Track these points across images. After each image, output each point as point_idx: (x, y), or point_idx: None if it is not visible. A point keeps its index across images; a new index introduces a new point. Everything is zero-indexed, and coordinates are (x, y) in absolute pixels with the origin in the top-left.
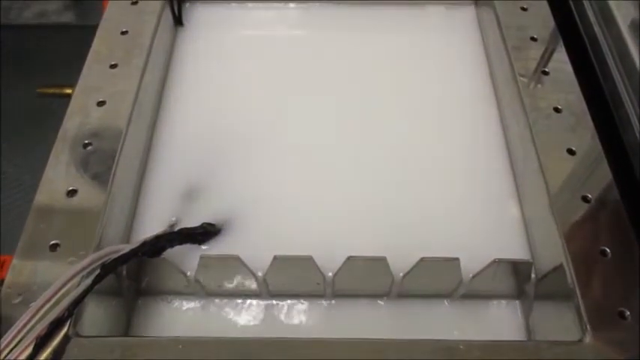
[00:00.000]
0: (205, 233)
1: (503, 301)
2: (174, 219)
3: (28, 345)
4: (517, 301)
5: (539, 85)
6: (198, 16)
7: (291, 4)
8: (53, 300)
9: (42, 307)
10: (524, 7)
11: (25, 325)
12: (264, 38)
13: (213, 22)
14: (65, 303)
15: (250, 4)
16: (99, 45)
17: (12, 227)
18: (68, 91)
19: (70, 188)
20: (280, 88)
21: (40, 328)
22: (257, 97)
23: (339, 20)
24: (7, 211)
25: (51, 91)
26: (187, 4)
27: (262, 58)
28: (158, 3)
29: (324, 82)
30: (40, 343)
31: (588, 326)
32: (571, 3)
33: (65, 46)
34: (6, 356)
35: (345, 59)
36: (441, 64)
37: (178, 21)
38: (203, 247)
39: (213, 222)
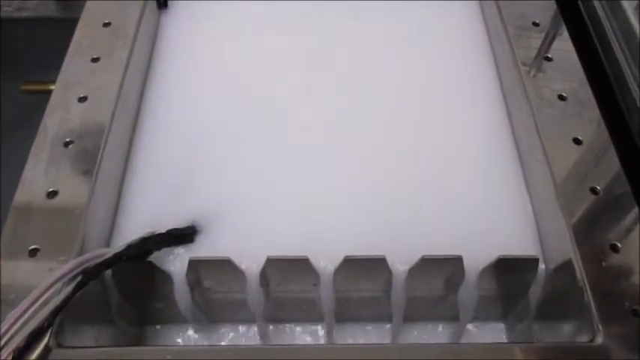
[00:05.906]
0: (194, 234)
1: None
2: (147, 231)
3: (6, 358)
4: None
5: (542, 73)
6: (183, 4)
7: None
8: (32, 309)
9: (20, 316)
10: None
11: (2, 337)
12: (255, 25)
13: (199, 9)
14: (45, 312)
15: None
16: (80, 38)
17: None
18: (53, 87)
19: (51, 189)
20: (269, 78)
21: (19, 339)
22: (246, 90)
23: (335, 6)
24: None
25: (35, 87)
26: None
27: (252, 47)
28: None
29: (318, 71)
30: (19, 356)
31: (600, 326)
32: None
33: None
34: None
35: (341, 47)
36: (443, 52)
37: (163, 4)
38: (180, 249)
39: (200, 221)
